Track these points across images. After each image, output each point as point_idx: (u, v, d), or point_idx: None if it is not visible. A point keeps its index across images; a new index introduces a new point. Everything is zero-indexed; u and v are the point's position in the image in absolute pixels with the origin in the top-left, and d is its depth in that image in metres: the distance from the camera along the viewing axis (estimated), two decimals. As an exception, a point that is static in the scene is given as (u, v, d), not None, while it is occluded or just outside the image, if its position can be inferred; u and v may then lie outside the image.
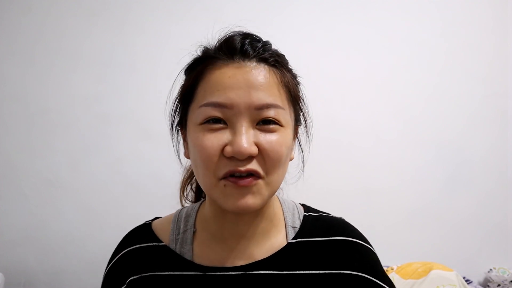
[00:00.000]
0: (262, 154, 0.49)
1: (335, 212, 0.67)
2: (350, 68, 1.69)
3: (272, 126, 0.50)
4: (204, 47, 0.56)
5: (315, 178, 1.61)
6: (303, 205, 0.66)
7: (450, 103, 1.70)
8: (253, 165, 0.49)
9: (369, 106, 1.68)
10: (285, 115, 0.52)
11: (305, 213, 0.63)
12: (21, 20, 1.60)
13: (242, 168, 0.48)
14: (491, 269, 1.65)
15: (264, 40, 0.56)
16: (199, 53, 0.56)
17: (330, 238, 0.59)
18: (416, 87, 1.70)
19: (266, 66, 0.52)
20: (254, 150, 0.48)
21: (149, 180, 1.60)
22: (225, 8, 1.65)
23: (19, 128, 1.60)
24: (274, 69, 0.53)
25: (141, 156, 1.61)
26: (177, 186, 0.74)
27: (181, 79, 0.59)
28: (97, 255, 1.57)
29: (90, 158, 1.61)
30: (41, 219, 1.59)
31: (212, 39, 0.56)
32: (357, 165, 1.67)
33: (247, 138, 0.48)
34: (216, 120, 0.50)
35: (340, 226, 0.62)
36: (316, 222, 0.61)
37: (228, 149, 0.48)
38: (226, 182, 0.49)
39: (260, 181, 0.50)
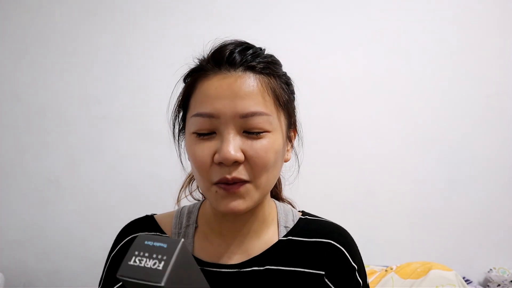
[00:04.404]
0: (248, 160, 0.52)
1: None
2: (350, 68, 1.69)
3: (258, 134, 0.53)
4: (198, 58, 0.59)
5: (316, 178, 1.62)
6: (303, 211, 0.69)
7: (451, 104, 1.70)
8: (239, 173, 0.52)
9: (369, 107, 1.68)
10: (272, 120, 0.54)
11: (301, 217, 0.66)
12: (21, 20, 1.60)
13: (229, 176, 0.52)
14: (491, 269, 1.65)
15: (257, 47, 0.58)
16: (196, 62, 0.59)
17: (316, 239, 0.62)
18: (417, 87, 1.70)
19: (251, 74, 0.54)
20: (240, 156, 0.51)
21: (149, 180, 1.60)
22: (225, 8, 1.65)
23: (19, 128, 1.60)
24: (261, 76, 0.55)
25: (141, 156, 1.61)
26: (177, 186, 0.75)
27: (179, 86, 0.61)
28: (97, 255, 1.56)
29: (90, 158, 1.61)
30: (41, 219, 1.59)
31: (207, 45, 0.58)
32: (358, 165, 1.67)
33: (233, 145, 0.51)
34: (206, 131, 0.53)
35: (329, 230, 0.64)
36: (308, 225, 0.65)
37: (216, 156, 0.52)
38: (218, 189, 0.53)
39: (248, 186, 0.53)
